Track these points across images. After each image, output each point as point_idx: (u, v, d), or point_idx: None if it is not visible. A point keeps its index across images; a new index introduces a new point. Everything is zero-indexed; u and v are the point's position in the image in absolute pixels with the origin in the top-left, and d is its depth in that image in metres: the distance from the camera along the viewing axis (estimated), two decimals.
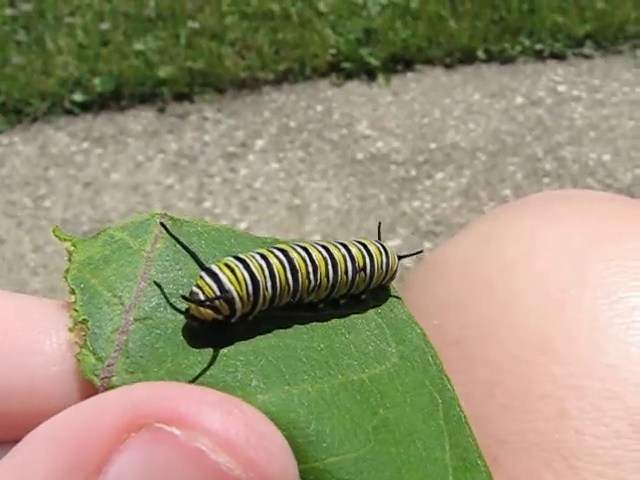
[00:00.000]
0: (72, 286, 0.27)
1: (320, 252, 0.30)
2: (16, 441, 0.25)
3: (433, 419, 0.29)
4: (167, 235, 0.29)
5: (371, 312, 0.31)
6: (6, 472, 0.20)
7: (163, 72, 3.15)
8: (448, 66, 3.30)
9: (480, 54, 3.32)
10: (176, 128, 3.00)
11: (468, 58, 3.32)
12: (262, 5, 3.57)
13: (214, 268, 0.27)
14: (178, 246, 0.28)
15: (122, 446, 0.20)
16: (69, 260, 0.27)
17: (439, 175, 2.72)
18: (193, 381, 0.25)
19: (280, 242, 0.31)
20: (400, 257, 0.35)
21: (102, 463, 0.20)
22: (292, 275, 0.28)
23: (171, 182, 2.74)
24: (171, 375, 0.25)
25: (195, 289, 0.26)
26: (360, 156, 2.81)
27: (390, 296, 0.33)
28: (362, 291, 0.32)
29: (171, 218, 0.29)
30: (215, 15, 3.52)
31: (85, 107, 3.09)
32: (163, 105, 3.10)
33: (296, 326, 0.29)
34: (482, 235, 0.44)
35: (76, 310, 0.26)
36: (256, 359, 0.27)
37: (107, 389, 0.25)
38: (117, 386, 0.25)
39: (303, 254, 0.29)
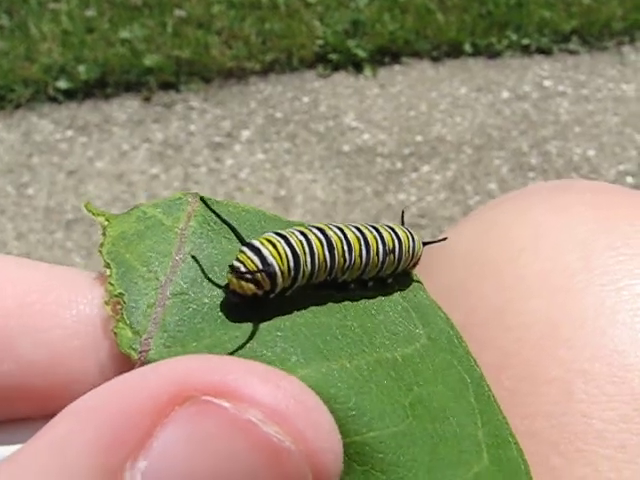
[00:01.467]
0: (107, 260, 0.26)
1: (354, 233, 0.30)
2: (41, 417, 0.25)
3: (464, 397, 0.30)
4: (200, 214, 0.28)
5: (397, 296, 0.32)
6: (45, 446, 0.20)
7: (149, 61, 3.12)
8: (435, 59, 3.30)
9: (467, 48, 3.32)
10: (162, 117, 2.98)
11: (455, 52, 3.32)
12: None
13: (255, 243, 0.26)
14: (212, 224, 0.28)
15: (166, 420, 0.20)
16: (103, 234, 0.27)
17: (425, 168, 2.72)
18: (233, 353, 0.25)
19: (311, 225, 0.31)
20: (425, 243, 0.36)
21: (146, 437, 0.19)
22: (329, 252, 0.29)
23: (156, 171, 2.72)
24: (210, 349, 0.25)
25: (236, 263, 0.26)
26: (346, 148, 2.81)
27: (413, 282, 0.34)
28: (389, 275, 0.32)
29: (202, 197, 0.29)
30: (202, 4, 3.49)
31: (69, 95, 3.06)
32: (149, 94, 3.08)
33: (330, 305, 0.29)
34: (486, 224, 0.44)
35: (111, 284, 0.26)
36: (294, 335, 0.26)
37: (144, 363, 0.25)
38: (155, 360, 0.25)
39: (339, 233, 0.30)
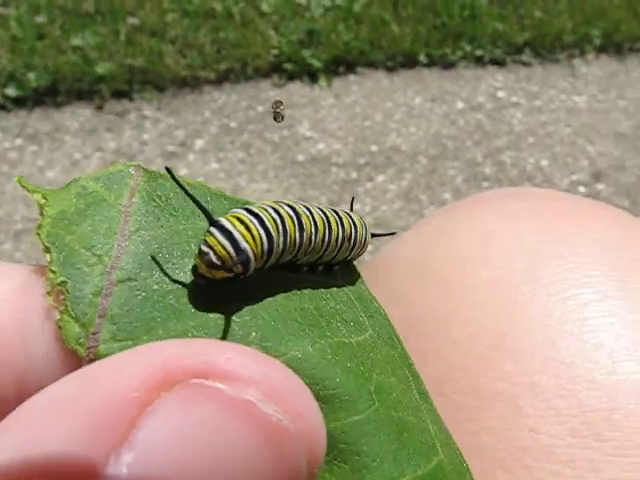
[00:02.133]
0: (46, 244, 0.24)
1: (319, 214, 0.28)
2: None
3: (411, 392, 0.29)
4: (144, 189, 0.26)
5: (341, 283, 0.30)
6: (8, 443, 0.17)
7: (101, 68, 3.07)
8: (390, 70, 3.31)
9: (422, 58, 3.34)
10: (114, 126, 2.94)
11: (410, 62, 3.34)
12: (204, 3, 3.53)
13: (226, 223, 0.24)
14: (157, 200, 0.26)
15: (151, 407, 0.18)
16: (41, 214, 0.25)
17: (380, 178, 2.72)
18: None
19: (252, 203, 0.29)
20: (373, 235, 0.34)
21: (129, 428, 0.17)
22: (299, 233, 0.27)
23: None
24: None
25: (205, 248, 0.24)
26: (301, 158, 2.80)
27: (354, 272, 0.32)
28: (339, 261, 0.31)
29: (145, 170, 0.27)
30: (156, 12, 3.45)
31: (19, 102, 2.99)
32: (101, 102, 3.03)
33: (286, 287, 0.27)
34: (434, 231, 0.43)
35: (53, 271, 0.24)
36: (253, 319, 0.25)
37: (93, 359, 0.23)
38: (104, 355, 0.23)
39: (307, 213, 0.27)
